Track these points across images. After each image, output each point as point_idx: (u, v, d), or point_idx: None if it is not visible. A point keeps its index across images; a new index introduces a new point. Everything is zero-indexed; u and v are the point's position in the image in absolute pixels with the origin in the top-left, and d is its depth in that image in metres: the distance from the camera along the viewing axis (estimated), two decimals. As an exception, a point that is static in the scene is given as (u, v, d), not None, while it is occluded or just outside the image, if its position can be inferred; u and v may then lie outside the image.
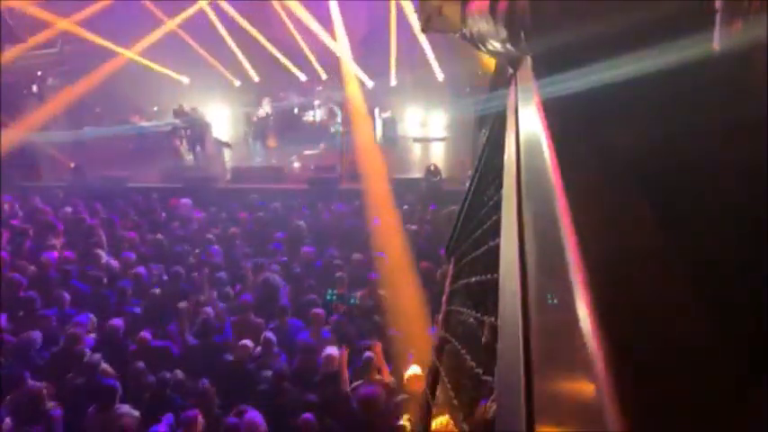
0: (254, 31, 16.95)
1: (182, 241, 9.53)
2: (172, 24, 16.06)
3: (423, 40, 15.49)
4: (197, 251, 9.04)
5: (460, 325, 2.42)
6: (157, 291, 7.49)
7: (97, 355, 5.82)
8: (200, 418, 4.90)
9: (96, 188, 12.09)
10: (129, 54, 15.64)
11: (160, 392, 5.57)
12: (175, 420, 5.03)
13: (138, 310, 7.26)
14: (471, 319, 2.18)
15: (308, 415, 4.98)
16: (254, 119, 15.54)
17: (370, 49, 16.72)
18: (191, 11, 16.22)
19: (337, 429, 5.16)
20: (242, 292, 7.74)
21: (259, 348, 6.27)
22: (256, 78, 17.69)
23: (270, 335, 6.34)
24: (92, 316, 6.84)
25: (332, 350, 5.87)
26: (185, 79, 16.70)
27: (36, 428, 4.94)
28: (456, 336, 2.44)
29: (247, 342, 6.15)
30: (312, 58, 17.27)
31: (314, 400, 5.36)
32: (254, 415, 4.93)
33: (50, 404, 5.28)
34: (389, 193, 10.59)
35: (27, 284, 7.56)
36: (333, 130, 14.86)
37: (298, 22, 16.87)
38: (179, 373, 5.79)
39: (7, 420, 4.95)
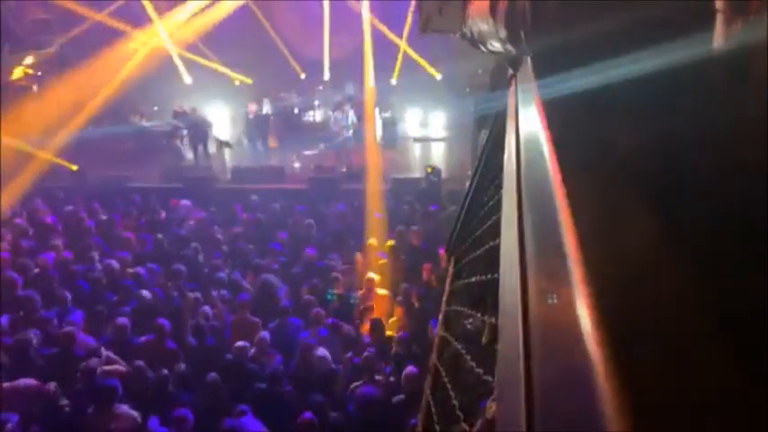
0: (254, 30, 16.94)
1: (181, 241, 9.52)
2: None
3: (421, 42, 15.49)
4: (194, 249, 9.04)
5: (461, 325, 2.43)
6: (148, 293, 7.46)
7: (95, 360, 5.82)
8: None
9: (96, 188, 12.09)
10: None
11: (162, 389, 5.59)
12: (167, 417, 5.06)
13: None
14: (469, 325, 2.19)
15: (307, 414, 4.98)
16: (250, 116, 15.47)
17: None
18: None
19: (337, 429, 5.17)
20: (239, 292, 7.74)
21: (253, 349, 6.28)
22: (249, 81, 17.65)
23: (264, 335, 6.34)
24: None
25: (323, 352, 5.89)
26: (188, 78, 16.66)
27: None
28: (456, 336, 2.44)
29: (245, 343, 6.14)
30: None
31: (313, 401, 5.36)
32: (251, 421, 4.94)
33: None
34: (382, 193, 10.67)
35: (26, 284, 7.56)
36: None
37: (301, 21, 16.90)
38: (180, 368, 5.82)
39: None
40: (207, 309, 7.04)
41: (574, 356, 0.54)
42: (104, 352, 6.04)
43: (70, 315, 6.83)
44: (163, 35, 15.50)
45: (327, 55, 17.22)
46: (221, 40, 16.47)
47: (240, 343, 6.13)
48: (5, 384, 5.47)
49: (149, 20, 15.40)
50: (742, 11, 1.15)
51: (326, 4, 16.70)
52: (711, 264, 0.64)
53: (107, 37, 15.45)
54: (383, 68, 16.62)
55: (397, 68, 16.85)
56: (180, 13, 15.64)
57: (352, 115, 14.42)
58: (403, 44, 16.27)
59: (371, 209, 10.12)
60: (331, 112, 15.30)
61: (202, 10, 15.57)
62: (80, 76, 14.02)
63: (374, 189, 10.90)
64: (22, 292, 7.31)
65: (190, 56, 16.65)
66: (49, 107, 13.47)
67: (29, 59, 15.64)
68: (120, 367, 5.91)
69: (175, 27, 15.67)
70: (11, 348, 6.13)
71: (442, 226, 9.35)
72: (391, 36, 16.26)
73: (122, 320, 6.58)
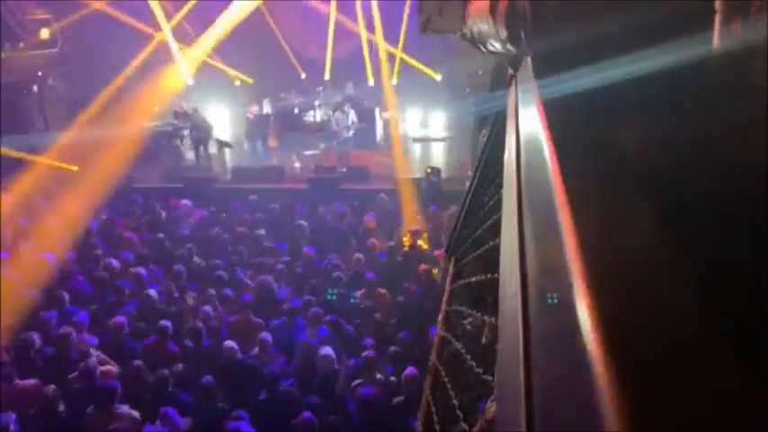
0: (255, 30, 16.94)
1: (182, 241, 9.52)
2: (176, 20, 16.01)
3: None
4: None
5: (461, 325, 2.43)
6: (152, 292, 7.47)
7: (94, 359, 5.81)
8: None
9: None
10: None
11: (161, 389, 5.58)
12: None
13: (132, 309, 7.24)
14: (469, 326, 2.19)
15: (307, 413, 4.98)
16: (251, 116, 15.46)
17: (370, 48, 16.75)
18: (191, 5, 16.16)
19: (337, 429, 5.17)
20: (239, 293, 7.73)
21: (256, 349, 6.27)
22: (250, 80, 17.66)
23: (266, 335, 6.34)
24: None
25: (327, 350, 5.87)
26: (189, 80, 16.66)
27: None
28: (456, 336, 2.44)
29: (233, 344, 6.11)
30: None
31: (314, 401, 5.36)
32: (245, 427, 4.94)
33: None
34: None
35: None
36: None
37: (301, 21, 16.93)
38: (179, 367, 5.82)
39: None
40: (208, 309, 7.03)
41: (574, 356, 0.54)
42: (94, 353, 6.02)
43: (76, 315, 6.82)
44: (168, 36, 15.50)
45: (329, 55, 17.23)
46: (223, 39, 16.52)
47: (229, 343, 6.10)
48: (6, 385, 5.47)
49: (150, 12, 15.38)
50: (742, 11, 1.15)
51: (333, 5, 16.70)
52: (711, 264, 0.64)
53: (109, 35, 15.46)
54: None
55: (396, 69, 16.85)
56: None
57: (352, 115, 14.42)
58: (398, 52, 16.30)
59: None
60: (331, 112, 15.30)
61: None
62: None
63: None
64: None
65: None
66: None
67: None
68: (112, 368, 5.90)
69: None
70: (11, 348, 6.13)
71: (442, 226, 9.36)
72: (385, 46, 16.28)
73: (120, 319, 6.57)
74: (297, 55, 17.78)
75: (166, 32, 15.39)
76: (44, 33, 15.59)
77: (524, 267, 0.84)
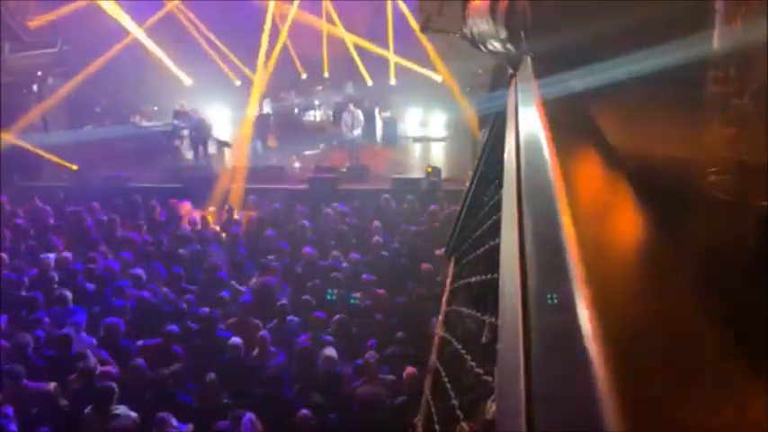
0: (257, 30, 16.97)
1: (183, 242, 9.53)
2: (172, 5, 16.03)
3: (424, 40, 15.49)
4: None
5: (461, 325, 2.43)
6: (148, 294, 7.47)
7: (93, 360, 5.80)
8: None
9: (97, 188, 12.10)
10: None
11: (161, 389, 5.58)
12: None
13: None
14: (470, 325, 2.19)
15: (305, 411, 4.98)
16: (252, 118, 15.48)
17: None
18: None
19: (338, 427, 5.17)
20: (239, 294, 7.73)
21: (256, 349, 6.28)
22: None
23: (264, 333, 6.35)
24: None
25: (330, 351, 5.88)
26: (188, 80, 16.65)
27: None
28: (456, 336, 2.44)
29: (238, 341, 6.13)
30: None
31: (315, 402, 5.36)
32: (251, 417, 4.93)
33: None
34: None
35: (28, 285, 7.57)
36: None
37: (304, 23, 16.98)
38: (178, 367, 5.83)
39: None
40: (206, 309, 7.03)
41: (574, 356, 0.54)
42: (91, 355, 6.02)
43: (74, 316, 6.82)
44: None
45: (326, 53, 17.25)
46: (226, 37, 16.56)
47: (235, 340, 6.10)
48: (6, 384, 5.48)
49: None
50: (742, 11, 1.15)
51: (328, 4, 16.71)
52: (711, 262, 0.64)
53: (109, 34, 15.47)
54: (384, 68, 16.67)
55: (392, 69, 16.86)
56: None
57: (359, 114, 14.44)
58: (392, 56, 16.34)
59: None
60: (330, 112, 15.31)
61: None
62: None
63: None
64: (24, 292, 7.33)
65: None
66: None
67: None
68: (112, 368, 5.90)
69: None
70: (8, 349, 6.13)
71: (442, 226, 9.35)
72: (379, 51, 16.36)
73: (114, 320, 6.56)
74: (298, 55, 17.80)
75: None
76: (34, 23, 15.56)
77: (524, 267, 0.84)
